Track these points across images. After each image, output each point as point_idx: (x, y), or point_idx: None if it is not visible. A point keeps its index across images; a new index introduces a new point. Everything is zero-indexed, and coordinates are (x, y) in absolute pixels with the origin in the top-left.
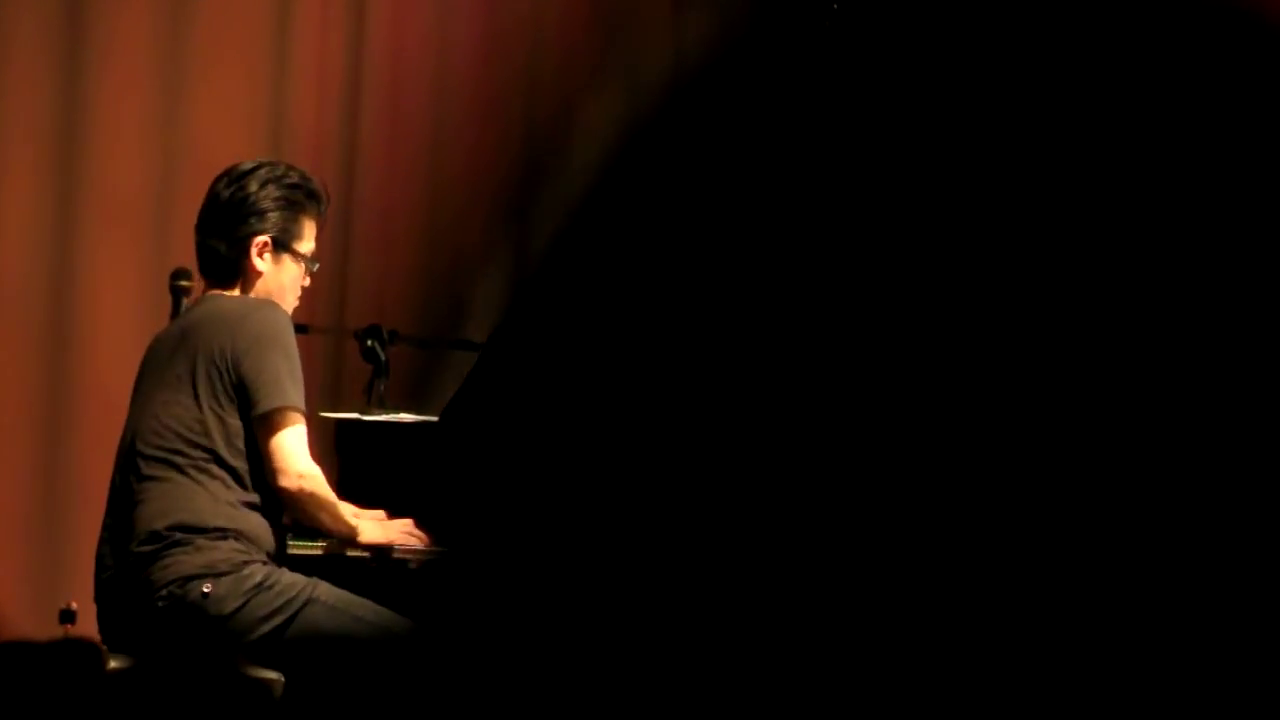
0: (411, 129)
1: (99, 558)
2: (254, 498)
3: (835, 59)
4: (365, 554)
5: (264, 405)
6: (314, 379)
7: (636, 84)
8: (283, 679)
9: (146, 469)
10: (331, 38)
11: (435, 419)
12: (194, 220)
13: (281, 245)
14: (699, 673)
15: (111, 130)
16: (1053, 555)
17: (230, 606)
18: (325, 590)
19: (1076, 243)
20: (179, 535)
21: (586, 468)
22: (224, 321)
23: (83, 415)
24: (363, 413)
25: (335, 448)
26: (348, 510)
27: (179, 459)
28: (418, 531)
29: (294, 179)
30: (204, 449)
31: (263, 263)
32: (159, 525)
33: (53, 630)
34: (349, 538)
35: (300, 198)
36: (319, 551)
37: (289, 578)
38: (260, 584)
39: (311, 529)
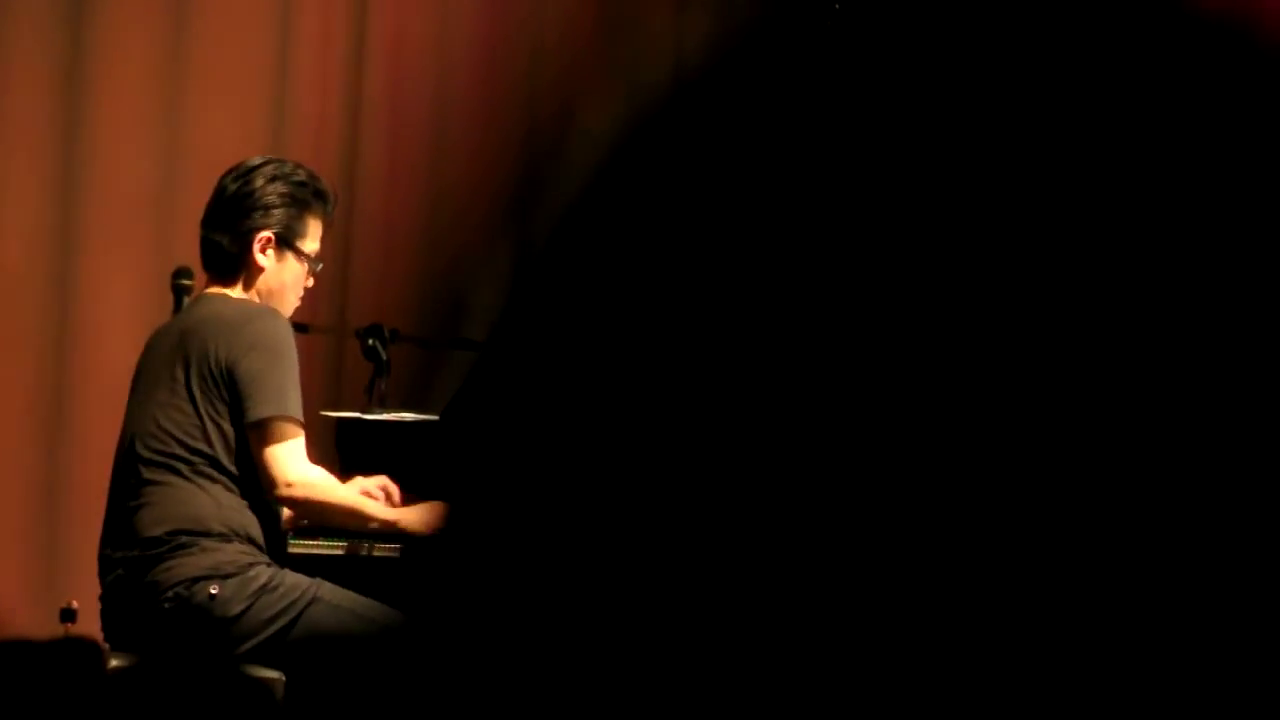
0: (412, 129)
1: (101, 560)
2: (254, 501)
3: (836, 60)
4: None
5: (254, 414)
6: (315, 378)
7: (637, 85)
8: (284, 679)
9: (147, 473)
10: (333, 38)
11: (436, 418)
12: (196, 220)
13: (285, 242)
14: (699, 673)
15: (113, 130)
16: (1053, 555)
17: (236, 608)
18: (328, 590)
19: (1076, 243)
20: (183, 538)
21: (587, 466)
22: (222, 327)
23: (84, 414)
24: (364, 412)
25: (336, 446)
26: (374, 503)
27: (179, 464)
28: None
29: (301, 177)
30: (203, 455)
31: (265, 259)
32: (161, 529)
33: (53, 629)
34: (388, 529)
35: (307, 196)
36: (340, 551)
37: (292, 579)
38: (265, 586)
39: (322, 528)
